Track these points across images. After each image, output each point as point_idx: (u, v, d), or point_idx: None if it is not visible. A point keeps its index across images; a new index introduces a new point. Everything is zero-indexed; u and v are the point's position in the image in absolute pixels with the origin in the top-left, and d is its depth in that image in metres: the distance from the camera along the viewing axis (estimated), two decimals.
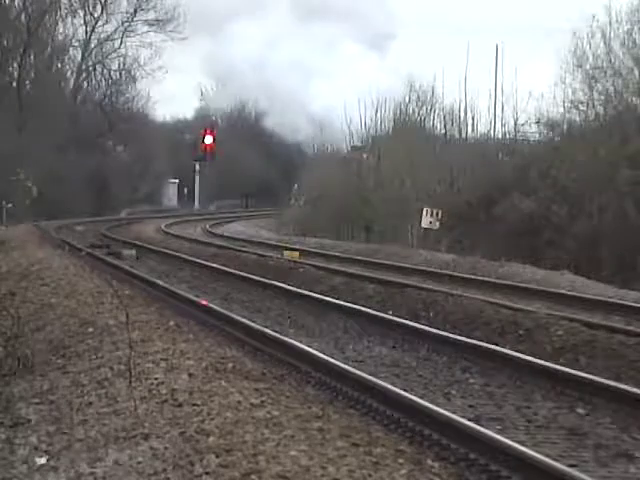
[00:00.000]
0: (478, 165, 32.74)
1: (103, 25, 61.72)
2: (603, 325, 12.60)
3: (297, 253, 27.19)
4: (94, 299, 14.72)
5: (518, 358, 10.29)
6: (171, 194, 75.02)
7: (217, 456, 6.37)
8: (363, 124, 43.18)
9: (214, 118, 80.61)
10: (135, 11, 62.26)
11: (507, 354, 10.57)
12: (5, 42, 56.13)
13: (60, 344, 11.47)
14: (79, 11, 61.46)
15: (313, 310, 14.84)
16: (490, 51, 37.59)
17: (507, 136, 35.15)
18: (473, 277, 20.13)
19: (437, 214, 29.84)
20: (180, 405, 7.78)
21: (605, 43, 30.55)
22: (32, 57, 57.69)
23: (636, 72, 29.76)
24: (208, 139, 72.28)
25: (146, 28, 62.34)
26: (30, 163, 41.98)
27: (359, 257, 26.34)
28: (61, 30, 60.94)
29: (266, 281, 18.19)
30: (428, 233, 30.53)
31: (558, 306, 15.43)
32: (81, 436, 7.41)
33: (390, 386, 8.77)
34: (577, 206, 27.04)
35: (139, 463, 6.50)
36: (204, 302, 14.95)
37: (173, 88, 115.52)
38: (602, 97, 30.46)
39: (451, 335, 11.85)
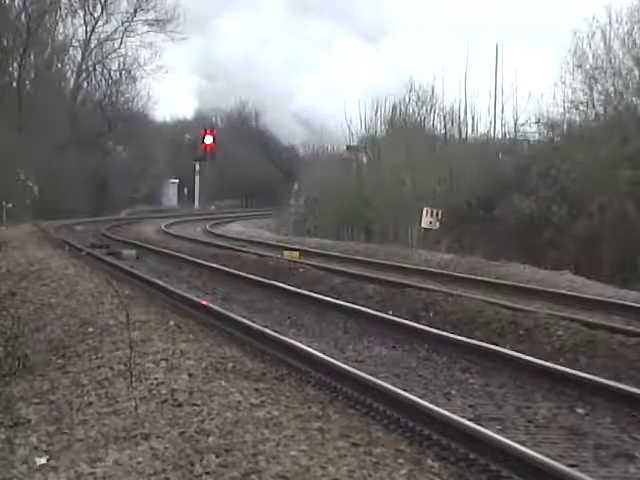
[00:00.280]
0: (478, 165, 32.73)
1: (103, 25, 61.83)
2: (603, 325, 12.60)
3: (297, 253, 27.19)
4: (94, 299, 14.73)
5: (518, 358, 10.29)
6: (171, 194, 75.04)
7: (217, 456, 6.37)
8: (363, 124, 43.22)
9: (214, 118, 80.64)
10: (135, 11, 62.34)
11: (507, 354, 10.57)
12: (5, 42, 56.12)
13: (60, 344, 11.48)
14: (79, 11, 61.54)
15: (313, 310, 14.84)
16: (490, 51, 37.58)
17: (507, 136, 35.16)
18: (473, 277, 20.14)
19: (437, 214, 29.85)
20: (180, 405, 7.78)
21: (605, 43, 30.56)
22: (32, 57, 57.69)
23: (636, 72, 29.76)
24: (208, 139, 72.31)
25: (146, 28, 62.44)
26: (30, 163, 42.05)
27: (359, 257, 26.34)
28: (61, 30, 61.06)
29: (266, 281, 18.20)
30: (428, 233, 30.54)
31: (558, 306, 15.44)
32: (81, 436, 7.41)
33: (390, 386, 8.77)
34: (577, 206, 27.04)
35: (139, 463, 6.50)
36: (204, 302, 14.95)
37: (168, 87, 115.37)
38: (602, 97, 30.46)
39: (451, 335, 11.85)
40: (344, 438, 6.87)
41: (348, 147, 49.49)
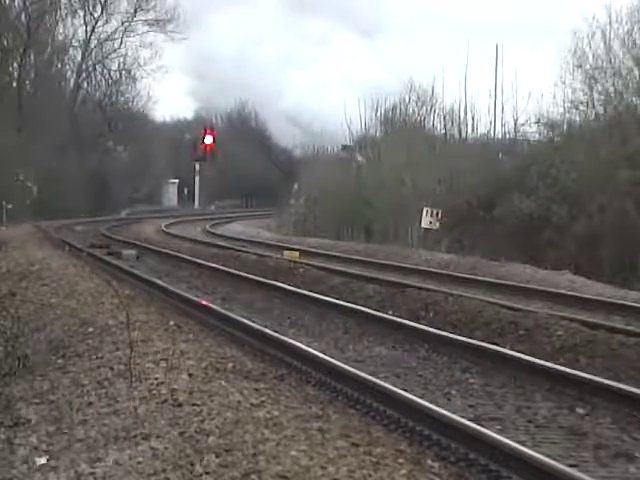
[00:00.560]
0: (478, 165, 32.72)
1: (103, 25, 61.88)
2: (603, 325, 12.61)
3: (297, 253, 27.20)
4: (94, 299, 14.72)
5: (518, 358, 10.29)
6: (171, 194, 75.07)
7: (217, 456, 6.37)
8: (362, 123, 43.22)
9: (214, 118, 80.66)
10: (135, 11, 62.38)
11: (507, 354, 10.57)
12: (5, 42, 56.12)
13: (60, 344, 11.47)
14: (79, 11, 61.57)
15: (313, 310, 14.84)
16: (490, 51, 37.55)
17: (507, 136, 35.14)
18: (473, 277, 20.14)
19: (437, 214, 29.84)
20: (180, 405, 7.78)
21: (605, 43, 30.54)
22: (32, 57, 57.70)
23: (636, 72, 29.74)
24: (208, 139, 72.32)
25: (146, 28, 62.48)
26: (30, 163, 42.07)
27: (359, 257, 26.35)
28: (61, 30, 61.08)
29: (266, 281, 18.20)
30: (428, 233, 30.53)
31: (558, 306, 15.44)
32: (81, 436, 7.41)
33: (390, 386, 8.77)
34: (577, 206, 27.02)
35: (139, 463, 6.50)
36: (204, 302, 14.95)
37: (168, 87, 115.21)
38: (602, 97, 30.45)
39: (451, 335, 11.85)
40: (344, 438, 6.87)
41: (344, 147, 49.50)
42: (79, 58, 62.02)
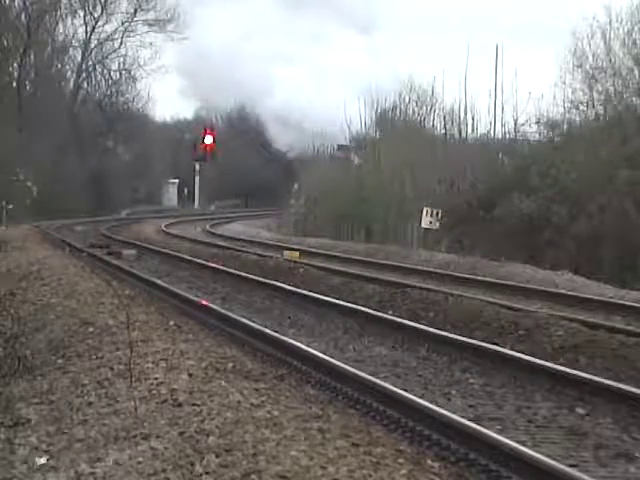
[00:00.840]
0: (478, 165, 32.71)
1: (103, 25, 61.85)
2: (603, 325, 12.61)
3: (297, 253, 27.20)
4: (94, 299, 14.72)
5: (518, 358, 10.29)
6: (171, 194, 75.03)
7: (217, 456, 6.37)
8: (361, 123, 43.22)
9: (214, 118, 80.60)
10: (135, 11, 62.35)
11: (507, 354, 10.57)
12: (5, 42, 56.10)
13: (60, 344, 11.47)
14: (79, 11, 61.54)
15: (313, 310, 14.84)
16: (490, 51, 37.55)
17: (507, 136, 35.13)
18: (473, 277, 20.14)
19: (437, 214, 29.83)
20: (180, 405, 7.78)
21: (605, 43, 30.57)
22: (32, 57, 57.68)
23: (636, 72, 29.75)
24: (208, 139, 72.28)
25: (146, 28, 62.45)
26: (30, 163, 42.08)
27: (359, 257, 26.35)
28: (61, 30, 61.05)
29: (266, 281, 18.20)
30: (428, 233, 30.51)
31: (558, 306, 15.45)
32: (81, 436, 7.40)
33: (390, 386, 8.77)
34: (577, 206, 27.02)
35: (139, 463, 6.49)
36: (204, 302, 14.95)
37: (168, 87, 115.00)
38: (602, 97, 30.45)
39: (451, 335, 11.85)
40: (344, 438, 6.86)
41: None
42: (79, 58, 62.07)
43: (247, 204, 76.13)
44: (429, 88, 39.07)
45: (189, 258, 23.89)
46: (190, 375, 8.84)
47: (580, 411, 8.57)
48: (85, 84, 63.66)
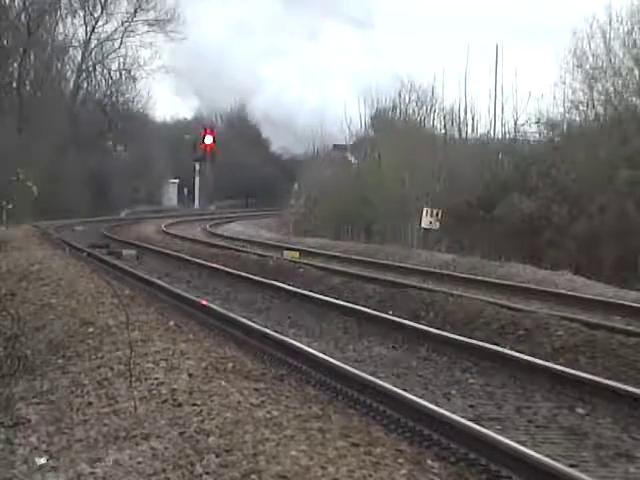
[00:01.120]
0: (478, 165, 32.71)
1: (103, 25, 61.84)
2: (603, 325, 12.61)
3: (297, 253, 27.21)
4: (94, 299, 14.71)
5: (518, 358, 10.29)
6: (171, 194, 75.04)
7: (217, 456, 6.37)
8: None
9: (214, 118, 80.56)
10: (135, 11, 62.32)
11: (507, 354, 10.57)
12: (5, 42, 56.10)
13: (60, 344, 11.47)
14: (79, 11, 61.51)
15: (313, 310, 14.84)
16: (490, 51, 37.55)
17: (507, 136, 35.12)
18: (473, 277, 20.14)
19: (437, 214, 29.84)
20: (180, 405, 7.78)
21: (605, 43, 30.56)
22: (32, 57, 57.67)
23: (636, 72, 29.75)
24: (208, 139, 72.27)
25: (146, 28, 62.42)
26: (30, 163, 42.01)
27: (359, 257, 26.35)
28: (61, 30, 61.02)
29: (266, 281, 18.20)
30: (428, 233, 30.52)
31: (558, 306, 15.44)
32: (81, 436, 7.40)
33: (390, 386, 8.77)
34: (577, 206, 27.03)
35: (139, 463, 6.49)
36: (204, 302, 14.95)
37: (168, 87, 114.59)
38: (602, 97, 30.45)
39: (451, 335, 11.85)
40: (344, 438, 6.86)
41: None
42: (79, 58, 62.04)
43: (247, 204, 76.13)
44: (429, 88, 39.08)
45: (189, 258, 23.89)
46: (190, 375, 8.84)
47: (580, 411, 8.57)
48: (85, 84, 63.66)
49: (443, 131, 37.72)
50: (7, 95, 54.83)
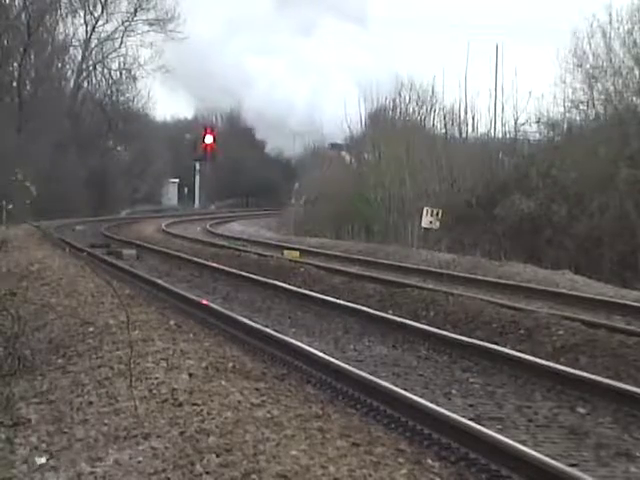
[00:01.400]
0: (478, 165, 32.71)
1: (103, 25, 61.77)
2: (604, 325, 12.60)
3: (297, 253, 27.20)
4: (94, 299, 14.71)
5: (519, 358, 10.29)
6: (171, 194, 75.01)
7: (217, 456, 6.36)
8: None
9: (214, 118, 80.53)
10: (135, 11, 62.26)
11: (507, 354, 10.57)
12: (5, 41, 56.06)
13: (60, 344, 11.46)
14: (79, 11, 61.46)
15: (313, 309, 14.84)
16: (490, 51, 37.56)
17: (507, 136, 35.11)
18: (473, 277, 20.13)
19: (437, 214, 29.83)
20: (180, 405, 7.77)
21: (605, 42, 30.55)
22: (32, 57, 57.62)
23: (636, 72, 29.74)
24: (208, 138, 72.25)
25: (146, 28, 62.37)
26: (29, 163, 41.99)
27: (359, 257, 26.34)
28: (61, 30, 60.96)
29: (266, 280, 18.19)
30: (428, 233, 30.51)
31: (559, 306, 15.44)
32: (81, 436, 7.40)
33: (390, 385, 8.77)
34: (577, 206, 27.03)
35: (139, 463, 6.49)
36: (204, 302, 14.95)
37: (168, 87, 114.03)
38: (602, 97, 30.45)
39: (451, 335, 11.85)
40: (344, 438, 6.86)
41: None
42: (79, 58, 61.98)
43: (247, 204, 76.10)
44: (429, 88, 39.10)
45: (189, 258, 23.89)
46: (190, 375, 8.84)
47: (581, 410, 8.57)
48: (85, 84, 63.61)
49: (443, 131, 37.75)
50: (7, 95, 54.79)
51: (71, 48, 61.96)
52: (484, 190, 30.72)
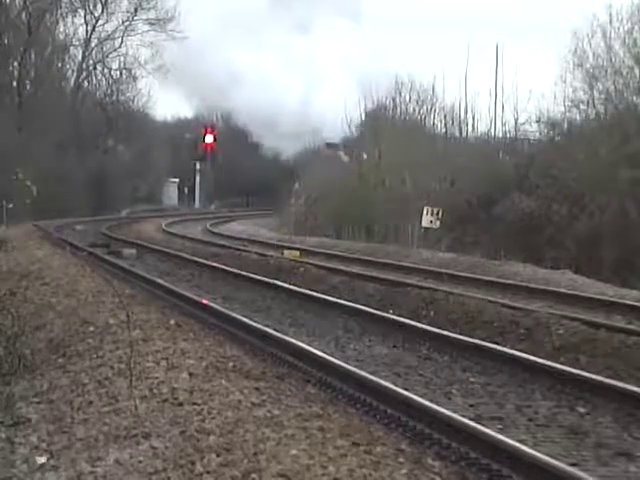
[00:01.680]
0: (478, 164, 32.72)
1: (104, 24, 61.79)
2: (604, 324, 12.61)
3: (297, 252, 27.21)
4: (94, 298, 14.71)
5: (519, 357, 10.29)
6: (171, 193, 74.99)
7: (218, 455, 6.37)
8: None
9: (214, 118, 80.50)
10: (135, 10, 62.27)
11: (508, 353, 10.57)
12: (6, 41, 56.06)
13: (60, 343, 11.47)
14: (80, 10, 61.48)
15: (313, 309, 14.84)
16: (490, 50, 37.60)
17: (507, 135, 35.15)
18: (473, 276, 20.13)
19: (437, 213, 29.84)
20: (181, 404, 7.78)
21: (605, 42, 30.58)
22: (32, 56, 57.64)
23: (637, 71, 29.76)
24: (208, 138, 72.24)
25: (146, 27, 62.38)
26: (30, 163, 42.00)
27: (359, 256, 26.34)
28: (62, 29, 61.00)
29: (267, 280, 18.19)
30: (428, 232, 30.52)
31: (559, 305, 15.44)
32: (81, 435, 7.40)
33: (391, 385, 8.77)
34: (577, 205, 27.05)
35: (140, 462, 6.49)
36: (204, 301, 14.94)
37: (168, 87, 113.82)
38: (602, 96, 30.48)
39: (451, 334, 11.85)
40: (344, 437, 6.86)
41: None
42: (80, 57, 62.01)
43: (248, 203, 76.09)
44: (429, 87, 39.11)
45: (189, 257, 23.88)
46: (190, 374, 8.84)
47: (580, 410, 8.57)
48: (85, 83, 63.61)
49: (443, 130, 37.78)
50: (7, 95, 54.79)
51: (71, 47, 62.05)
52: (484, 190, 30.74)
